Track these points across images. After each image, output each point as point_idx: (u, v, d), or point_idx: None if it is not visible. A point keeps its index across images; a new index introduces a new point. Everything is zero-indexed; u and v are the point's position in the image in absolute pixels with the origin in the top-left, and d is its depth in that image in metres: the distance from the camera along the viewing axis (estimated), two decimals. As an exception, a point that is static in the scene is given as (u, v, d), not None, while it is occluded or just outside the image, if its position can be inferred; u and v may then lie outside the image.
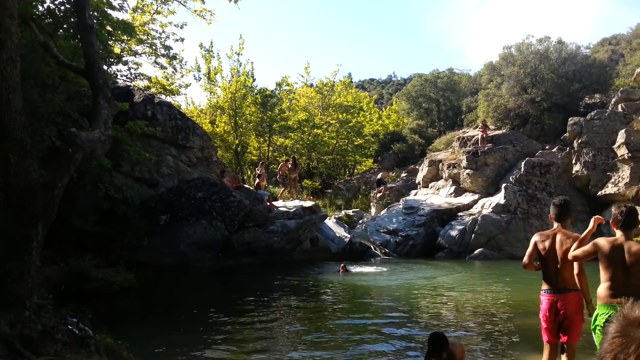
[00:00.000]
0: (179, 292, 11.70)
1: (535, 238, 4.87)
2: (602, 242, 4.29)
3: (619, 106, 20.13)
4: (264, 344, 6.88)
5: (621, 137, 18.10)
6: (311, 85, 33.58)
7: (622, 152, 17.91)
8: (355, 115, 31.64)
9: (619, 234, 4.27)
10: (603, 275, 4.25)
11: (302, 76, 33.38)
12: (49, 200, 4.92)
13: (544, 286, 4.75)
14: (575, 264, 4.51)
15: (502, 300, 10.11)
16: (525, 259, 4.84)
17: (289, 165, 20.26)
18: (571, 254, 4.41)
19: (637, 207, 4.75)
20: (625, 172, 17.67)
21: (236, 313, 8.65)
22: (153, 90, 19.52)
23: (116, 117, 13.99)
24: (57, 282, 8.40)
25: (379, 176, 24.99)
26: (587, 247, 4.33)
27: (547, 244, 4.71)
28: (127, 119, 14.51)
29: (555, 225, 4.78)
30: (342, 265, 13.87)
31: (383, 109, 39.84)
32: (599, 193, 18.20)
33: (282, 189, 20.60)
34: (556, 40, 26.23)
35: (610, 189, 17.81)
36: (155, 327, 7.87)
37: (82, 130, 6.52)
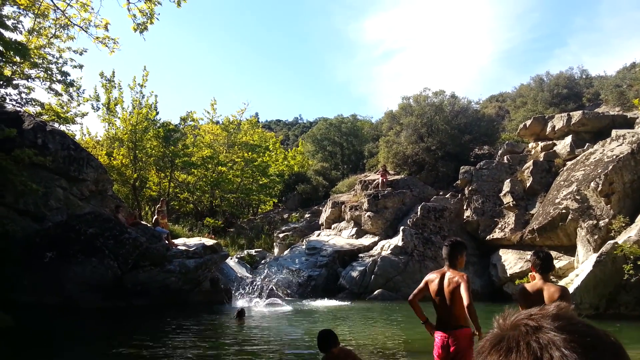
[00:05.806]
0: (62, 334, 10.70)
1: (427, 277, 5.07)
2: (526, 288, 4.71)
3: (505, 157, 22.02)
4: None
5: (506, 186, 19.73)
6: (217, 122, 33.22)
7: (508, 200, 19.47)
8: (261, 154, 31.67)
9: (537, 277, 4.70)
10: None
11: (208, 112, 32.99)
12: None
13: (437, 324, 4.92)
14: (465, 296, 4.65)
15: (399, 339, 10.34)
16: (411, 295, 5.02)
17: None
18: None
19: (550, 252, 5.20)
20: (510, 218, 19.14)
21: (119, 357, 8.08)
22: (45, 117, 18.27)
23: (2, 144, 12.97)
24: None
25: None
26: (520, 300, 4.66)
27: (436, 283, 4.91)
28: (14, 147, 13.47)
29: (446, 265, 5.00)
30: (237, 310, 12.76)
31: (289, 150, 40.34)
32: (487, 237, 19.49)
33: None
34: (450, 94, 28.44)
35: (497, 234, 19.15)
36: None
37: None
